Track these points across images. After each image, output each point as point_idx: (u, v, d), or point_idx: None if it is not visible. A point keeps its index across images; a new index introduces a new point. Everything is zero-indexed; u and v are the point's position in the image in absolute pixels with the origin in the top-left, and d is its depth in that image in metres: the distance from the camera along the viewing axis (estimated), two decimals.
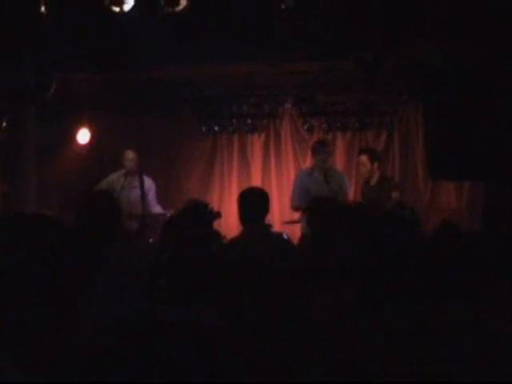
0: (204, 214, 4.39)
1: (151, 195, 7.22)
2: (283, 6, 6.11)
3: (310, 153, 7.69)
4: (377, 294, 2.30)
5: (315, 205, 4.34)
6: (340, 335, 2.18)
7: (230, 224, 7.36)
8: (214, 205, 8.43)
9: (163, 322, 2.17)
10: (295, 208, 7.22)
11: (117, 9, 5.92)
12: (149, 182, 7.23)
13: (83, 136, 8.29)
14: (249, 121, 8.55)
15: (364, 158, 7.18)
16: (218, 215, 5.51)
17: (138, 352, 2.04)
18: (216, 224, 5.46)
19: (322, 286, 2.42)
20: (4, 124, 7.86)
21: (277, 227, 6.99)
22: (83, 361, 2.49)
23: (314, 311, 2.28)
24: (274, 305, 2.41)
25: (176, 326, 2.14)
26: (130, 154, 7.22)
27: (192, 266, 2.35)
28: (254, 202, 4.51)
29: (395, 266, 2.40)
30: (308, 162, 8.18)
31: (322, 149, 7.19)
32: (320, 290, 2.42)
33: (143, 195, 7.02)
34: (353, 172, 8.28)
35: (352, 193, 8.18)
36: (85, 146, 8.35)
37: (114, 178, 7.21)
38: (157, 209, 7.20)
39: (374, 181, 7.18)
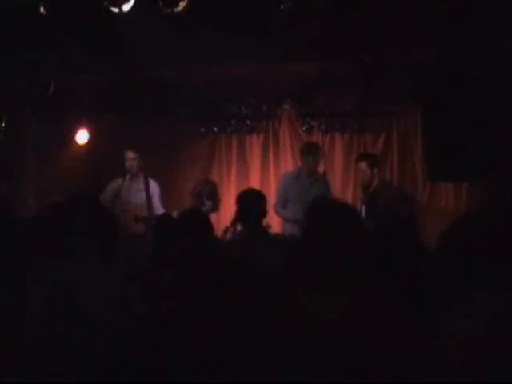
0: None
1: (156, 198, 7.26)
2: (282, 7, 6.11)
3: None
4: (379, 296, 2.30)
5: (317, 205, 4.33)
6: (341, 335, 2.19)
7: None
8: None
9: (165, 320, 2.18)
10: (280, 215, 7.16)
11: (116, 9, 5.91)
12: (153, 185, 7.28)
13: (82, 136, 8.29)
14: (247, 122, 8.56)
15: (363, 165, 6.81)
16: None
17: (139, 351, 2.05)
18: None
19: (318, 286, 2.43)
20: (3, 124, 7.87)
21: (275, 228, 7.00)
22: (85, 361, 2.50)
23: (314, 311, 2.28)
24: (273, 305, 2.42)
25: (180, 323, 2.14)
26: (130, 155, 7.26)
27: (202, 266, 2.37)
28: (251, 204, 4.52)
29: (398, 267, 2.40)
30: None
31: (312, 151, 7.12)
32: (317, 292, 2.43)
33: (148, 198, 7.09)
34: (351, 174, 8.28)
35: (351, 196, 8.19)
36: (83, 146, 8.35)
37: (119, 183, 7.21)
38: (161, 211, 7.13)
39: (373, 186, 6.84)
